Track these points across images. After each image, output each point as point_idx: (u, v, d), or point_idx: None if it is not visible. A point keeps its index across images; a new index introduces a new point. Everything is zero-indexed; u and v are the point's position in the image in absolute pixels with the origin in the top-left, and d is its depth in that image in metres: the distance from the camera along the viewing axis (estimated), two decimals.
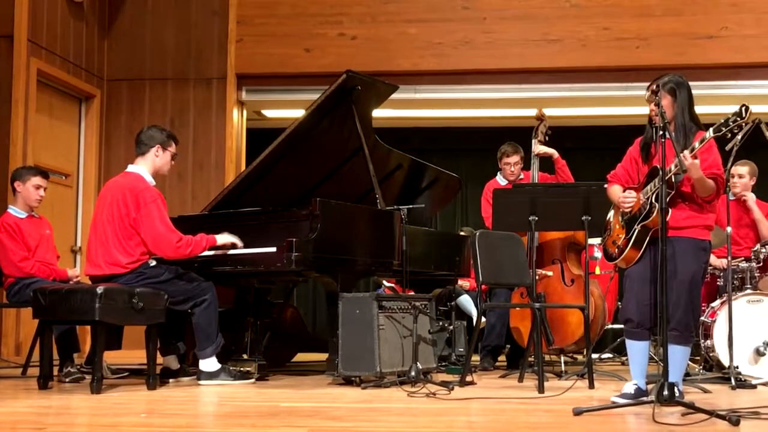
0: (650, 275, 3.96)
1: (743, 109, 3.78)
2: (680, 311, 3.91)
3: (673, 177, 3.89)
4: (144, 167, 5.07)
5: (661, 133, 3.74)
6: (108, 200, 4.98)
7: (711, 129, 3.86)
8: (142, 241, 4.91)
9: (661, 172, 3.74)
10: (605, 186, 4.35)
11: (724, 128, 3.82)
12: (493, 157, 6.50)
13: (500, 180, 6.37)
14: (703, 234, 4.02)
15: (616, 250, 4.16)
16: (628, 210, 4.11)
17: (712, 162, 3.95)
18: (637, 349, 4.06)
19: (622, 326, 4.25)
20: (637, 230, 4.03)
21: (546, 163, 6.21)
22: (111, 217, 4.92)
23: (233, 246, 5.06)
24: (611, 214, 4.35)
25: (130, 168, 5.11)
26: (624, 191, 4.16)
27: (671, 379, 3.61)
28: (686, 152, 3.82)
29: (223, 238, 5.04)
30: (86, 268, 5.07)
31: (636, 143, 4.23)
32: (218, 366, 4.98)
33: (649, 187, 4.00)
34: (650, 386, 3.97)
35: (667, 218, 3.84)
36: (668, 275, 3.70)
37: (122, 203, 4.91)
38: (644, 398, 3.87)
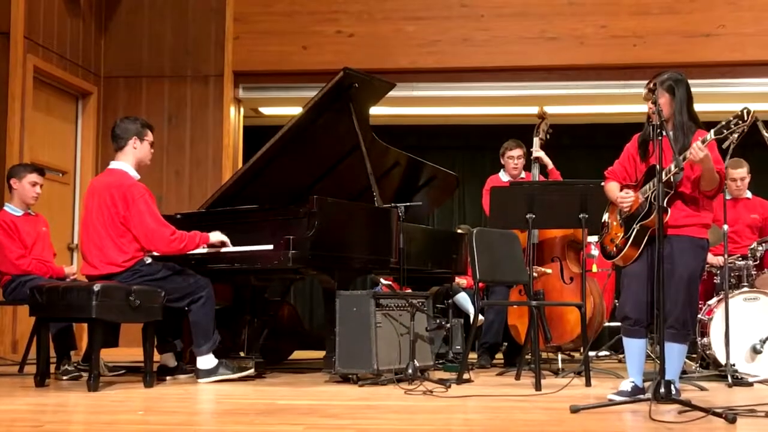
0: (648, 273, 3.95)
1: (745, 112, 3.76)
2: (678, 309, 3.91)
3: (672, 177, 3.89)
4: (126, 162, 5.03)
5: (658, 131, 3.74)
6: (96, 200, 4.95)
7: (712, 131, 3.84)
8: (134, 238, 4.90)
9: (658, 170, 3.74)
10: (602, 183, 4.34)
11: (725, 130, 3.80)
12: (490, 155, 6.51)
13: (503, 176, 6.36)
14: (701, 232, 4.03)
15: (615, 248, 4.16)
16: (627, 209, 4.11)
17: (714, 158, 3.95)
18: (635, 347, 4.06)
19: (619, 324, 4.25)
20: (636, 229, 4.02)
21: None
22: (101, 217, 4.90)
23: (223, 244, 5.07)
24: (608, 211, 4.35)
25: (113, 165, 5.06)
26: (621, 189, 4.16)
27: (668, 376, 3.61)
28: (698, 143, 3.79)
29: (216, 236, 5.06)
30: (82, 269, 5.06)
31: (634, 140, 4.23)
32: (215, 362, 4.97)
33: (648, 186, 3.99)
34: (647, 384, 3.97)
35: (667, 218, 3.85)
36: (666, 273, 3.71)
37: (110, 202, 4.88)
38: (641, 396, 3.87)
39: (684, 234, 3.97)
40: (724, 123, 3.82)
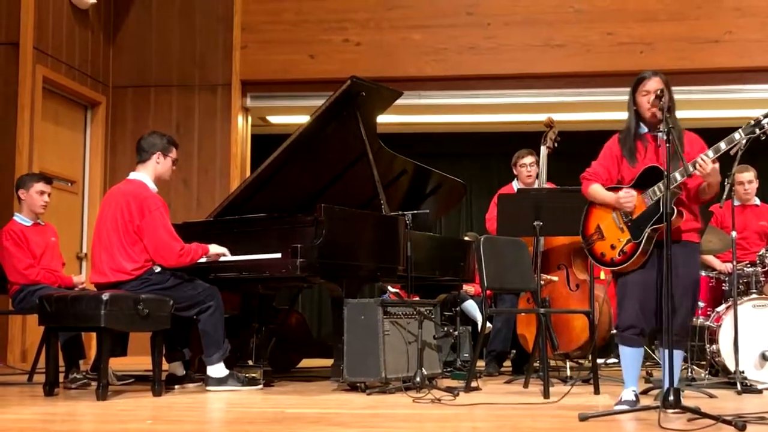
0: (654, 280, 3.90)
1: None
2: (682, 316, 3.88)
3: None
4: (146, 174, 5.09)
5: (666, 136, 3.71)
6: (112, 207, 4.99)
7: (741, 129, 3.76)
8: (145, 248, 4.92)
9: (666, 175, 3.69)
10: (585, 185, 4.17)
11: (758, 129, 3.74)
12: (497, 162, 6.51)
13: (516, 186, 6.33)
14: (698, 238, 4.02)
15: (620, 254, 4.01)
16: (630, 211, 3.99)
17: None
18: (636, 356, 3.99)
19: None
20: (647, 233, 3.91)
21: (554, 172, 6.18)
22: (115, 224, 4.93)
23: (220, 256, 5.10)
24: (590, 216, 4.17)
25: (132, 175, 5.12)
26: (612, 191, 4.04)
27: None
28: (706, 156, 3.74)
29: (214, 248, 5.09)
30: (91, 276, 5.08)
31: (615, 140, 4.18)
32: (226, 372, 4.98)
33: (656, 187, 3.92)
34: (656, 391, 3.95)
35: (680, 222, 3.82)
36: (675, 280, 3.67)
37: (126, 210, 4.92)
38: (650, 404, 3.85)
39: (688, 240, 3.94)
40: (753, 122, 3.74)
